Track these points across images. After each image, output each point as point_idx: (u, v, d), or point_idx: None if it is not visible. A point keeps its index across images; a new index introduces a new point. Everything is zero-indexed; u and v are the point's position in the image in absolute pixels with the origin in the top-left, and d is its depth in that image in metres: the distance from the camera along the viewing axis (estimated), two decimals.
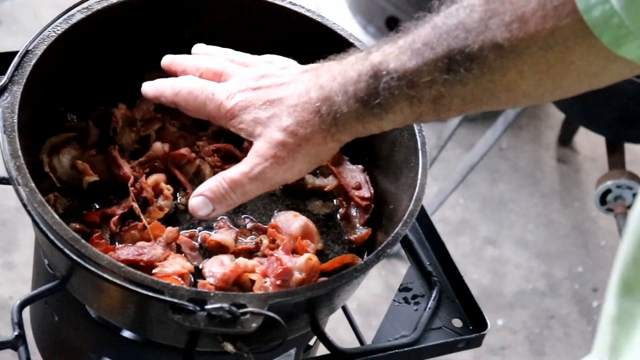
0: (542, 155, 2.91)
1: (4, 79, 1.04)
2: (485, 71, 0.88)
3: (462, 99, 0.91)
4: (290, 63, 1.07)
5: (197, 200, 1.01)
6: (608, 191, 2.15)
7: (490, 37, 0.86)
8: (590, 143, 2.91)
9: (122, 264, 0.95)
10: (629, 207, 2.14)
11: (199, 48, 1.14)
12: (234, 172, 1.00)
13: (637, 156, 2.82)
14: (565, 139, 2.90)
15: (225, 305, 0.93)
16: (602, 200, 2.16)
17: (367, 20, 2.92)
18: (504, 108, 0.95)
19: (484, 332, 1.12)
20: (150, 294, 0.93)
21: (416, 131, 1.12)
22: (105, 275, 0.95)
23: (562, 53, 0.85)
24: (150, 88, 1.09)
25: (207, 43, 1.22)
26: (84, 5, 1.14)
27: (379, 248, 1.01)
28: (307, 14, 1.21)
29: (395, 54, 0.92)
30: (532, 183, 2.82)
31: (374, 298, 2.43)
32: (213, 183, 1.00)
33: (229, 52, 1.11)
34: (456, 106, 0.92)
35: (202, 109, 1.03)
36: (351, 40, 1.19)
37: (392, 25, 2.85)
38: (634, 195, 2.14)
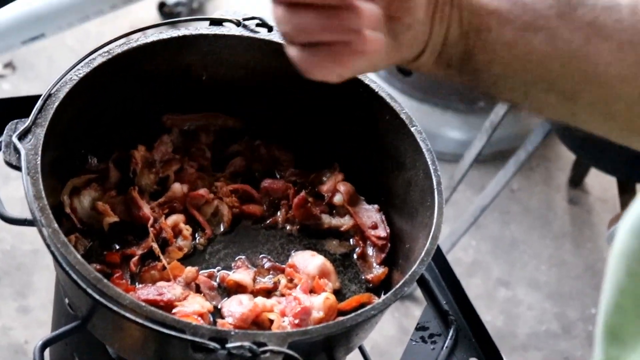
0: (553, 196, 2.91)
1: (28, 121, 1.06)
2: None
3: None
4: None
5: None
6: None
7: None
8: (601, 184, 2.91)
9: (143, 304, 0.97)
10: None
11: None
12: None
13: None
14: (576, 180, 2.91)
15: (246, 343, 0.93)
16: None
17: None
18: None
19: None
20: (172, 332, 0.94)
21: (432, 171, 1.13)
22: (127, 315, 0.95)
23: None
24: None
25: (225, 85, 1.24)
26: (105, 49, 1.16)
27: (396, 287, 1.02)
28: None
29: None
30: (543, 224, 2.83)
31: (387, 340, 2.43)
32: None
33: None
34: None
35: None
36: (366, 82, 1.20)
37: (403, 68, 2.87)
38: None
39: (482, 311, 2.56)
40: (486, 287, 2.64)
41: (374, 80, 1.21)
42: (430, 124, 2.80)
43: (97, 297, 0.97)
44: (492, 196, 2.39)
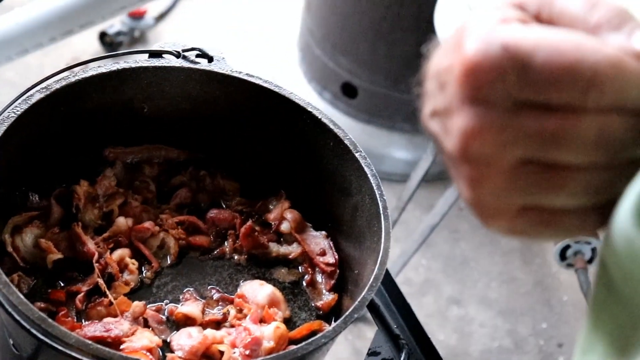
0: None
1: None
2: None
3: None
4: None
5: None
6: (567, 247, 2.17)
7: None
8: None
9: (90, 342, 0.95)
10: (588, 261, 2.17)
11: None
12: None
13: None
14: None
15: None
16: (562, 255, 2.19)
17: (322, 87, 2.96)
18: None
19: None
20: None
21: (377, 196, 1.13)
22: (74, 354, 0.94)
23: None
24: None
25: (167, 116, 1.24)
26: (43, 85, 1.15)
27: (347, 314, 1.02)
28: (264, 84, 1.23)
29: None
30: (492, 241, 2.85)
31: None
32: None
33: None
34: None
35: None
36: (309, 109, 1.21)
37: (347, 91, 2.89)
38: (593, 249, 2.16)
39: (435, 330, 2.57)
40: (438, 306, 2.64)
41: (317, 107, 1.21)
42: (376, 145, 2.82)
43: (42, 337, 0.95)
44: (441, 215, 2.40)
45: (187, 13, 3.46)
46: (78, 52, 3.15)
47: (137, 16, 3.21)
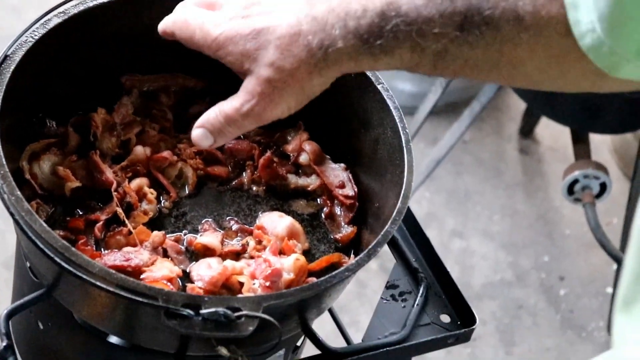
0: (504, 147, 2.93)
1: None
2: (498, 40, 0.86)
3: (465, 61, 0.89)
4: None
5: (199, 133, 1.01)
6: (575, 181, 2.17)
7: (512, 6, 0.84)
8: (551, 134, 2.94)
9: (113, 271, 0.95)
10: (596, 196, 2.17)
11: None
12: (228, 106, 0.99)
13: (596, 145, 2.86)
14: (527, 130, 2.92)
15: (221, 309, 0.92)
16: (570, 190, 2.19)
17: None
18: (499, 83, 0.97)
19: (473, 327, 1.13)
20: (144, 300, 0.93)
21: (400, 129, 1.12)
22: (97, 283, 0.94)
23: (576, 47, 0.84)
24: (160, 25, 1.06)
25: (183, 45, 1.21)
26: (61, 9, 1.13)
27: (370, 246, 1.02)
28: None
29: None
30: (495, 175, 2.85)
31: (345, 294, 2.42)
32: (212, 116, 1.00)
33: None
34: (455, 66, 0.90)
35: (193, 38, 1.01)
36: None
37: None
38: (601, 184, 2.16)
39: None
40: (441, 239, 2.65)
41: None
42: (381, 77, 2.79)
43: (65, 265, 0.95)
44: (446, 149, 2.40)
45: None
46: None
47: None
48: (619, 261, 2.19)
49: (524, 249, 2.67)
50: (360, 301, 2.45)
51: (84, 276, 0.94)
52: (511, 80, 0.93)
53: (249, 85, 0.97)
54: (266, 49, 0.95)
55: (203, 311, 0.92)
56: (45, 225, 0.95)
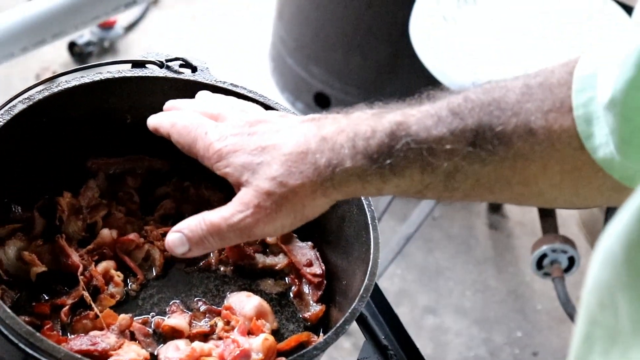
0: (474, 222, 2.95)
1: None
2: (510, 156, 0.84)
3: (476, 180, 0.87)
4: (289, 114, 1.03)
5: (175, 237, 0.96)
6: (544, 256, 2.18)
7: (524, 121, 0.83)
8: (519, 209, 2.96)
9: (79, 356, 0.93)
10: (565, 270, 2.18)
11: (202, 94, 1.11)
12: (215, 215, 0.94)
13: (564, 220, 2.88)
14: (495, 205, 2.95)
15: None
16: (539, 265, 2.20)
17: (295, 97, 2.96)
18: (509, 203, 0.94)
19: None
20: None
21: (365, 206, 1.13)
22: None
23: (590, 161, 0.83)
24: (151, 119, 1.05)
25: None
26: (25, 95, 1.13)
27: (337, 325, 1.01)
28: (249, 94, 1.22)
29: (418, 117, 0.87)
30: (466, 250, 2.86)
31: None
32: (193, 222, 0.95)
33: (231, 98, 1.09)
34: (466, 187, 0.88)
35: (193, 146, 0.98)
36: None
37: (320, 101, 2.89)
38: (569, 258, 2.18)
39: None
40: (413, 316, 2.65)
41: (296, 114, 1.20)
42: None
43: (30, 351, 0.94)
44: (416, 225, 2.41)
45: (156, 23, 3.45)
46: (47, 62, 3.12)
47: (107, 26, 3.19)
48: None
49: (496, 325, 2.67)
50: None
51: None
52: (523, 199, 0.90)
53: (244, 196, 0.93)
54: (269, 164, 0.92)
55: None
56: (9, 311, 0.94)
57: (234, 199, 0.94)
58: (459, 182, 0.87)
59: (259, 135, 0.95)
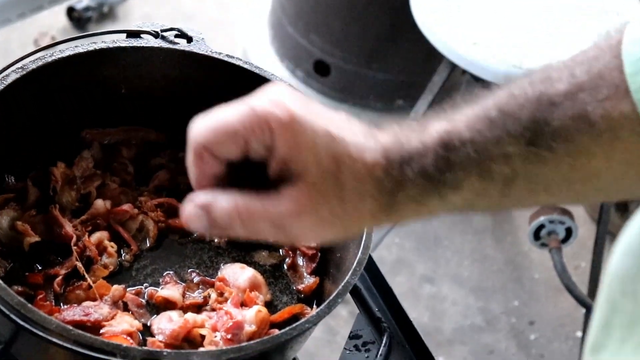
0: None
1: None
2: (571, 151, 0.78)
3: (535, 184, 0.80)
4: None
5: (194, 212, 0.82)
6: (541, 226, 2.18)
7: (581, 112, 0.78)
8: None
9: (70, 327, 0.94)
10: (562, 241, 2.18)
11: None
12: (257, 204, 0.80)
13: None
14: None
15: None
16: (536, 235, 2.20)
17: (294, 65, 2.94)
18: (566, 203, 0.89)
19: None
20: (102, 356, 0.92)
21: None
22: (54, 340, 0.93)
23: None
24: None
25: (146, 97, 1.22)
26: (19, 65, 1.13)
27: (330, 298, 1.01)
28: (245, 66, 1.21)
29: (466, 122, 0.80)
30: (464, 220, 2.85)
31: (315, 342, 2.43)
32: (223, 200, 0.81)
33: None
34: (523, 192, 0.81)
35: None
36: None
37: (320, 69, 2.87)
38: (567, 229, 2.17)
39: (408, 309, 2.55)
40: (411, 285, 2.65)
41: (292, 84, 1.19)
42: None
43: (21, 322, 0.94)
44: None
45: None
46: (45, 28, 3.10)
47: None
48: (586, 305, 2.20)
49: (493, 294, 2.67)
50: (331, 348, 2.44)
51: (41, 333, 0.93)
52: (582, 198, 0.87)
53: (295, 189, 0.80)
54: (346, 171, 0.80)
55: None
56: (0, 281, 0.94)
57: (283, 192, 0.80)
58: (518, 188, 0.81)
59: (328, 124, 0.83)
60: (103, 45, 1.17)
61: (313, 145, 0.79)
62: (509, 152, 0.78)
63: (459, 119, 0.80)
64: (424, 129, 0.81)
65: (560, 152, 0.79)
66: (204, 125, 0.81)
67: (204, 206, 0.82)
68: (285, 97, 0.81)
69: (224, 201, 0.81)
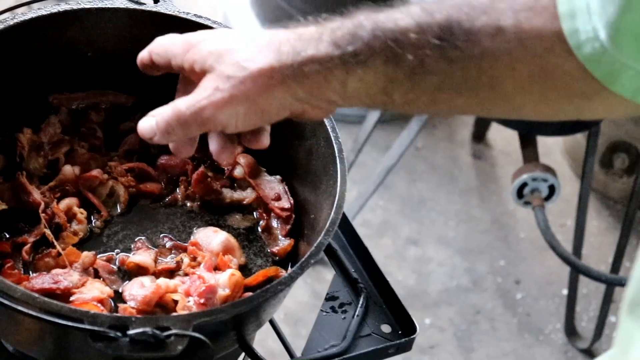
0: (457, 152, 2.93)
1: None
2: (477, 54, 0.83)
3: (443, 80, 0.85)
4: None
5: (145, 122, 0.97)
6: (524, 185, 2.17)
7: (494, 18, 0.82)
8: (503, 138, 2.94)
9: (36, 295, 0.92)
10: (545, 199, 2.17)
11: None
12: (182, 102, 0.94)
13: (549, 148, 2.86)
14: (479, 135, 2.92)
15: (148, 329, 0.90)
16: (519, 194, 2.19)
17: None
18: (477, 112, 0.95)
19: (413, 336, 1.11)
20: (69, 323, 0.90)
21: (332, 138, 1.10)
22: (20, 308, 0.91)
23: (561, 61, 0.81)
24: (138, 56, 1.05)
25: (113, 60, 1.19)
26: None
27: (303, 259, 1.00)
28: (213, 26, 1.18)
29: (387, 12, 0.87)
30: (449, 181, 2.84)
31: (301, 306, 2.42)
32: (164, 108, 0.96)
33: None
34: (432, 86, 0.86)
35: (169, 51, 1.00)
36: None
37: None
38: (550, 187, 2.16)
39: (394, 270, 2.57)
40: (396, 247, 2.64)
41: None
42: None
43: None
44: (397, 156, 2.38)
45: None
46: None
47: None
48: (570, 263, 2.19)
49: (479, 254, 2.67)
50: (317, 313, 2.43)
51: (6, 302, 0.91)
52: (491, 105, 0.89)
53: (205, 82, 0.93)
54: (237, 50, 0.92)
55: (130, 332, 0.89)
56: None
57: (198, 86, 0.94)
58: (424, 82, 0.86)
59: (233, 31, 0.98)
60: (67, 7, 1.14)
61: (208, 53, 0.94)
62: (416, 40, 0.84)
63: (382, 11, 0.87)
64: (347, 18, 0.89)
65: (467, 52, 0.83)
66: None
67: (153, 114, 0.96)
68: (208, 34, 0.99)
69: (165, 107, 0.95)
